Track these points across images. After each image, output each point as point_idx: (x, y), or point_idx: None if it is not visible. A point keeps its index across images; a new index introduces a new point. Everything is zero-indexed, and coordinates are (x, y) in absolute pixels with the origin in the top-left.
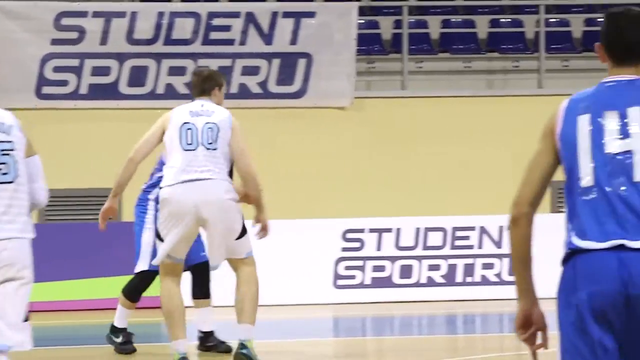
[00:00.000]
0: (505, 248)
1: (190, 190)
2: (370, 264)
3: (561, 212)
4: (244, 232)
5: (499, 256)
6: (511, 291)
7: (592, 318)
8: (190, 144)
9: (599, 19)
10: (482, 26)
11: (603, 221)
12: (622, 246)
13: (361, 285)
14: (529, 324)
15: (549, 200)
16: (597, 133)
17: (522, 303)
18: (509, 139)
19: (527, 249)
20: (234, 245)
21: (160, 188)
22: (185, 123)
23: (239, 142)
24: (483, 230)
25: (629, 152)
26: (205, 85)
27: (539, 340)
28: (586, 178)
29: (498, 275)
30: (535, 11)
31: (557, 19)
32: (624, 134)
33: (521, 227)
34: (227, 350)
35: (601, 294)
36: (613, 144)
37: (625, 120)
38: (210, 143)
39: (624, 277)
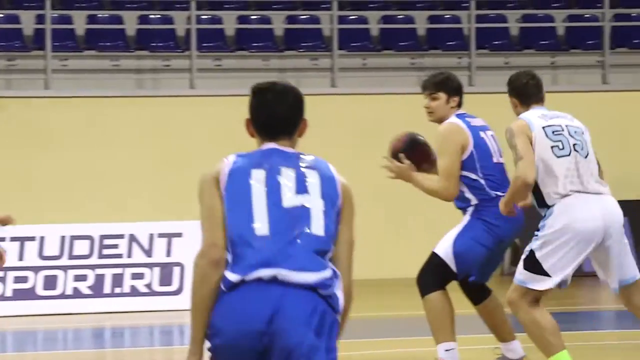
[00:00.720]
0: (157, 257)
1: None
2: (11, 275)
3: None
4: None
5: (150, 265)
6: (163, 302)
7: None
8: None
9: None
10: (130, 22)
11: None
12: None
13: (1, 298)
14: None
15: None
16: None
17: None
18: (160, 141)
19: (212, 295)
20: None
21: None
22: None
23: None
24: (132, 238)
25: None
26: None
27: None
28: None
29: (148, 285)
30: (187, 7)
31: (209, 16)
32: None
33: (219, 271)
34: None
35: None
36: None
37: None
38: None
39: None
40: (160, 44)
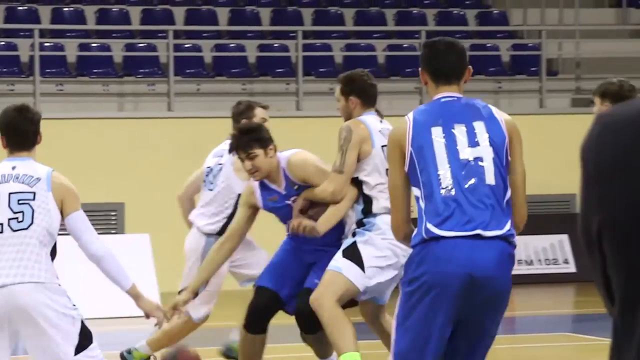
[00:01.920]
0: None
1: None
2: None
3: None
4: None
5: None
6: None
7: (441, 295)
8: None
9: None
10: (117, 50)
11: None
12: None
13: None
14: None
15: None
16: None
17: None
18: (143, 158)
19: None
20: None
21: None
22: None
23: None
24: None
25: (479, 158)
26: None
27: None
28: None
29: None
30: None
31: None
32: (472, 143)
33: None
34: None
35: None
36: (465, 151)
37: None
38: None
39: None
40: (144, 70)
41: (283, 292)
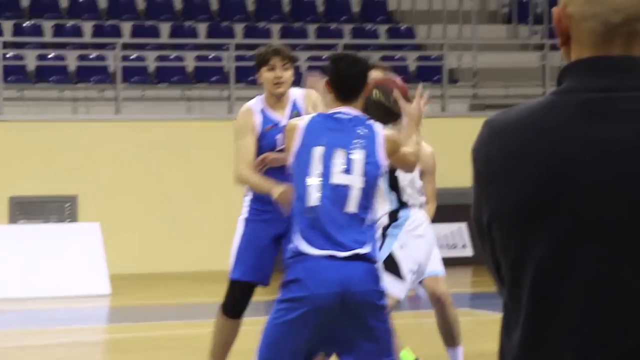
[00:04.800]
0: None
1: None
2: None
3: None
4: None
5: None
6: None
7: (312, 313)
8: None
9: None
10: (71, 60)
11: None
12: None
13: None
14: None
15: (6, 212)
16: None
17: None
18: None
19: None
20: None
21: None
22: None
23: None
24: None
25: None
26: None
27: None
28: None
29: None
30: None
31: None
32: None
33: None
34: None
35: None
36: (337, 176)
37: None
38: None
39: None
40: (95, 78)
41: (262, 278)
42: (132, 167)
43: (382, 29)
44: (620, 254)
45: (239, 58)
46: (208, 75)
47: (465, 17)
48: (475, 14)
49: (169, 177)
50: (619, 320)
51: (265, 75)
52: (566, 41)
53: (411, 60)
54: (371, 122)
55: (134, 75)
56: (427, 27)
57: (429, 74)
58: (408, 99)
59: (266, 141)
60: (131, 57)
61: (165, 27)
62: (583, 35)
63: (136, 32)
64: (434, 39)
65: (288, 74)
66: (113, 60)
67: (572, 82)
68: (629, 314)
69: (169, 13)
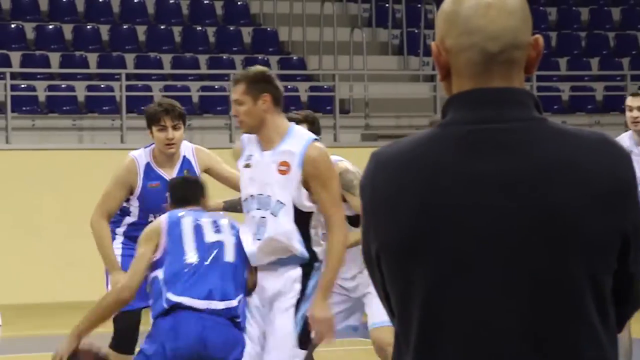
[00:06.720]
0: None
1: None
2: None
3: None
4: None
5: None
6: None
7: None
8: None
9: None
10: None
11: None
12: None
13: None
14: None
15: None
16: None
17: None
18: None
19: None
20: None
21: None
22: None
23: None
24: None
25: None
26: None
27: None
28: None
29: None
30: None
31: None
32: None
33: None
34: None
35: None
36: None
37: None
38: None
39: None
40: None
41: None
42: (21, 196)
43: (274, 59)
44: (491, 289)
45: (130, 88)
46: (99, 105)
47: (356, 48)
48: (366, 45)
49: (44, 208)
50: (498, 354)
51: (157, 135)
52: (446, 75)
53: (303, 91)
54: None
55: (24, 105)
56: (319, 57)
57: (320, 104)
58: None
59: (149, 198)
60: (21, 87)
61: (55, 57)
62: (462, 67)
63: (25, 62)
64: (326, 70)
65: (179, 134)
66: (2, 90)
67: (454, 114)
68: (509, 351)
69: (60, 43)
